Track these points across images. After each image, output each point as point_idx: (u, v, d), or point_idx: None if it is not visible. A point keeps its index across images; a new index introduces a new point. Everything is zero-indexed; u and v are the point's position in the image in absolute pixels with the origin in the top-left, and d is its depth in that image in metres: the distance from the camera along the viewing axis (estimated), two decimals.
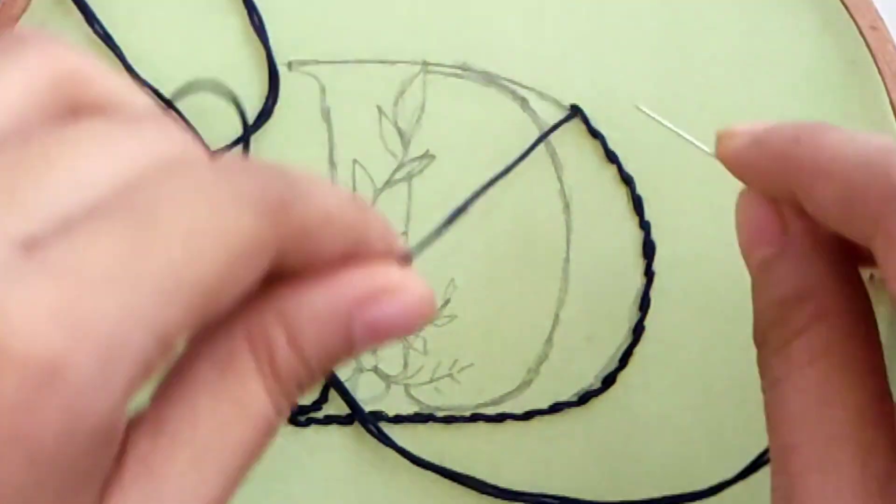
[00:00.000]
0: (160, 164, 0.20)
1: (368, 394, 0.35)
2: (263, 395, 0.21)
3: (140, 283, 0.18)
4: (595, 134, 0.35)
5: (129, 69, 0.34)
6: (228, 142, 0.34)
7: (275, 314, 0.21)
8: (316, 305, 0.21)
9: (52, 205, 0.19)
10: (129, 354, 0.18)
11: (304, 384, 0.22)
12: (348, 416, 0.35)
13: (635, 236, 0.35)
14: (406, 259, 0.23)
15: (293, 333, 0.21)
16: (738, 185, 0.35)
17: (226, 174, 0.20)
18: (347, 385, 0.35)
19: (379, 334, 0.22)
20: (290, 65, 0.35)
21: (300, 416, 0.35)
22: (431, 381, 0.35)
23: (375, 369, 0.35)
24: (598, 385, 0.35)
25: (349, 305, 0.21)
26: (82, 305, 0.18)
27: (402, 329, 0.22)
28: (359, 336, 0.22)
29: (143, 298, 0.18)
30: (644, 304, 0.35)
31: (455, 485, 0.35)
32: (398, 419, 0.35)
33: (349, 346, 0.22)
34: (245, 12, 0.35)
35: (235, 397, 0.21)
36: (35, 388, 0.18)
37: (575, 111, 0.35)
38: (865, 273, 0.35)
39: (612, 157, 0.35)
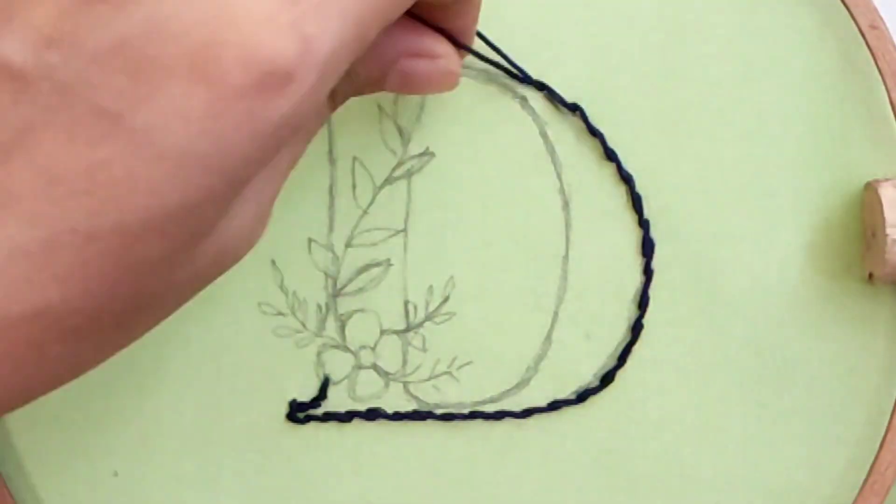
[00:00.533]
0: None
1: (367, 391, 0.35)
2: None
3: (347, 12, 0.23)
4: (594, 132, 0.35)
5: None
6: None
7: None
8: (377, 48, 0.28)
9: None
10: (333, 76, 0.24)
11: (349, 96, 0.30)
12: (347, 413, 0.35)
13: (634, 234, 0.35)
14: (462, 43, 0.30)
15: (353, 65, 0.26)
16: (739, 185, 0.35)
17: None
18: (346, 382, 0.35)
19: (405, 81, 0.30)
20: None
21: (299, 414, 0.35)
22: (430, 378, 0.35)
23: (374, 366, 0.35)
24: (596, 383, 0.35)
25: (398, 53, 0.29)
26: (309, 25, 0.22)
27: (423, 84, 0.30)
28: (391, 77, 0.29)
29: (349, 25, 0.23)
30: (643, 302, 0.35)
31: (455, 486, 0.35)
32: (397, 416, 0.35)
33: (382, 83, 0.30)
34: None
35: None
36: (273, 87, 0.22)
37: (575, 109, 0.35)
38: (864, 272, 0.35)
39: (611, 155, 0.35)
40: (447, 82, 0.30)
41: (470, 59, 0.35)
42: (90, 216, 0.22)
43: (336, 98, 0.29)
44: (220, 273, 0.27)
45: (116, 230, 0.22)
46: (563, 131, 0.35)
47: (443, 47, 0.30)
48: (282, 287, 0.35)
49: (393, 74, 0.30)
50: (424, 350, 0.35)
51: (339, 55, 0.24)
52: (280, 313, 0.35)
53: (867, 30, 0.35)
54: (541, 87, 0.35)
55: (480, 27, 0.35)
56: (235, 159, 0.23)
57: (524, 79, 0.35)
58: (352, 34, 0.24)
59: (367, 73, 0.29)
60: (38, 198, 0.22)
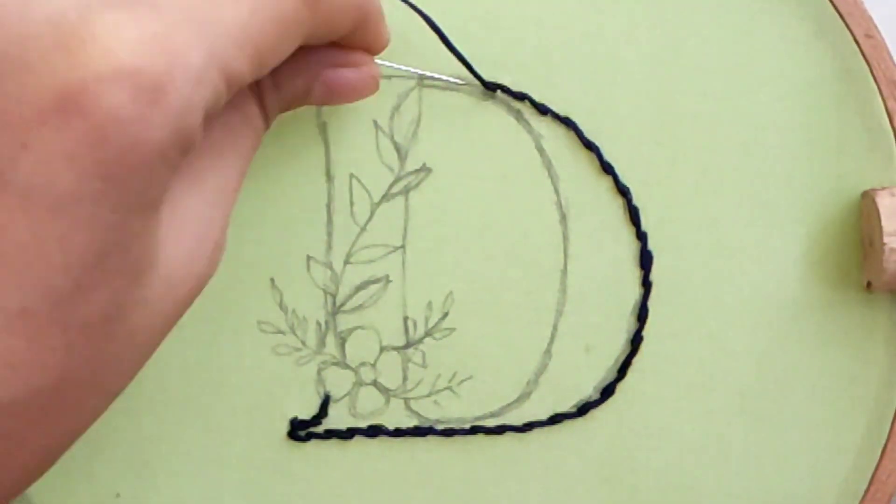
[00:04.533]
0: None
1: (368, 408, 0.35)
2: (257, 111, 0.29)
3: (218, 29, 0.23)
4: (589, 145, 0.35)
5: None
6: None
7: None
8: (298, 63, 0.29)
9: None
10: (209, 87, 0.23)
11: (278, 111, 0.30)
12: (348, 430, 0.35)
13: (632, 247, 0.35)
14: (378, 50, 0.31)
15: (278, 81, 0.29)
16: (736, 195, 0.35)
17: None
18: (347, 399, 0.35)
19: (330, 91, 0.31)
20: None
21: (300, 432, 0.35)
22: (431, 394, 0.35)
23: (375, 383, 0.35)
24: (596, 396, 0.35)
25: (320, 67, 0.30)
26: (176, 37, 0.22)
27: (347, 93, 0.31)
28: (316, 89, 0.30)
29: (220, 41, 0.23)
30: (642, 314, 0.35)
31: (457, 501, 0.35)
32: (398, 433, 0.35)
33: (308, 95, 0.30)
34: None
35: (242, 111, 0.28)
36: (148, 102, 0.21)
37: (568, 123, 0.35)
38: (862, 281, 0.35)
39: (607, 167, 0.35)
40: (371, 88, 0.32)
41: (465, 75, 0.35)
42: (11, 292, 0.21)
43: (268, 114, 0.30)
44: (181, 305, 0.26)
45: (44, 297, 0.21)
46: (560, 145, 0.35)
47: (362, 56, 0.31)
48: (281, 305, 0.35)
49: (318, 86, 0.31)
50: (424, 366, 0.35)
51: (215, 67, 0.23)
52: (280, 331, 0.35)
53: (862, 39, 0.35)
54: (521, 97, 0.35)
55: (476, 41, 0.35)
56: (132, 188, 0.21)
57: (485, 84, 0.35)
58: (230, 49, 0.23)
59: (293, 87, 0.30)
60: None
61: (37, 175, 0.20)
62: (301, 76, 0.30)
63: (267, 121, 0.30)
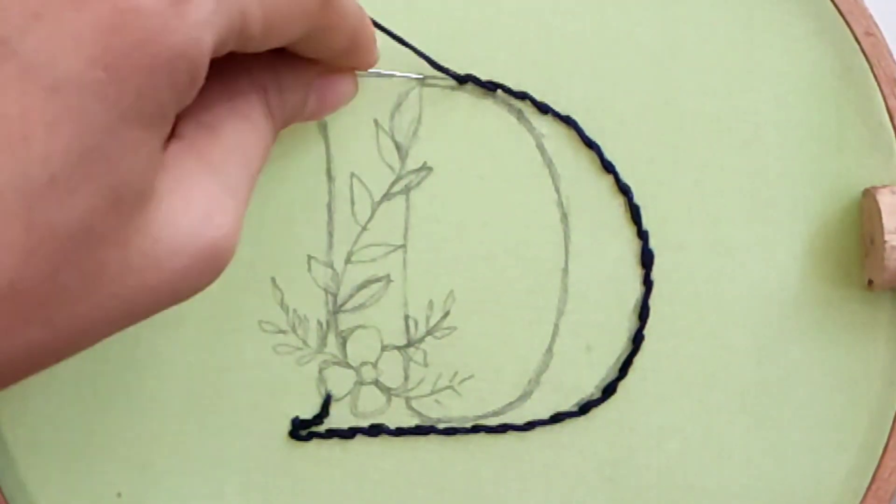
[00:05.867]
0: None
1: (369, 407, 0.35)
2: (265, 118, 0.28)
3: None
4: (589, 143, 0.35)
5: None
6: None
7: (272, 74, 0.29)
8: (297, 72, 0.30)
9: None
10: (226, 16, 0.22)
11: (285, 120, 0.30)
12: (350, 429, 0.35)
13: (633, 245, 0.35)
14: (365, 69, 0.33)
15: (281, 86, 0.29)
16: (737, 193, 0.35)
17: None
18: (348, 398, 0.35)
19: (322, 102, 0.32)
20: None
21: (301, 431, 0.35)
22: (432, 393, 0.35)
23: (376, 382, 0.35)
24: (598, 395, 0.35)
25: (314, 77, 0.31)
26: None
27: (334, 101, 0.32)
28: (311, 100, 0.31)
29: None
30: (643, 313, 0.35)
31: (459, 500, 0.35)
32: (399, 432, 0.35)
33: (303, 106, 0.31)
34: None
35: (247, 117, 0.27)
36: (172, 2, 0.21)
37: (569, 121, 0.35)
38: (864, 279, 0.35)
39: (608, 167, 0.35)
40: (353, 92, 0.33)
41: (466, 71, 0.35)
42: None
43: (275, 119, 0.29)
44: (165, 285, 0.24)
45: (13, 182, 0.19)
46: (560, 143, 0.35)
47: (349, 70, 0.32)
48: (282, 305, 0.35)
49: (311, 97, 0.31)
50: (426, 365, 0.35)
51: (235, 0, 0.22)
52: (281, 331, 0.35)
53: (862, 37, 0.35)
54: (522, 95, 0.35)
55: (477, 40, 0.35)
56: (132, 88, 0.20)
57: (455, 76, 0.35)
58: None
59: (294, 94, 0.30)
60: None
61: (42, 50, 0.20)
62: (300, 83, 0.30)
63: (273, 129, 0.29)
